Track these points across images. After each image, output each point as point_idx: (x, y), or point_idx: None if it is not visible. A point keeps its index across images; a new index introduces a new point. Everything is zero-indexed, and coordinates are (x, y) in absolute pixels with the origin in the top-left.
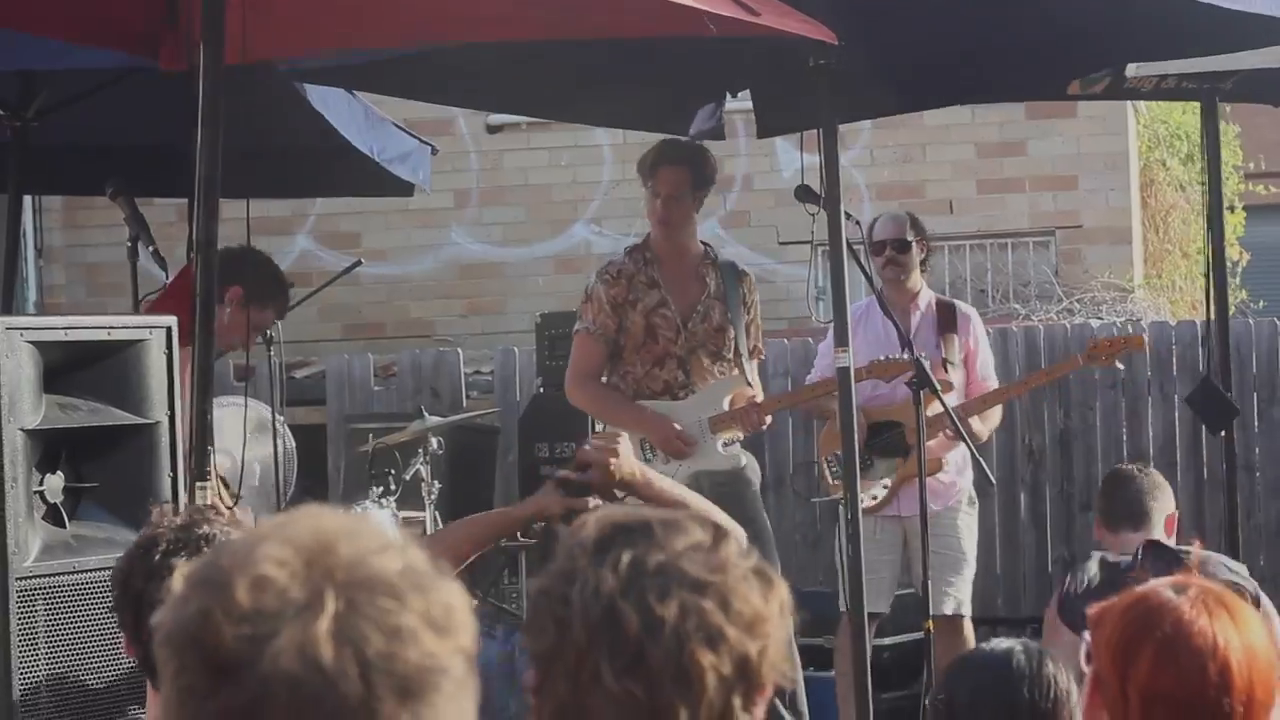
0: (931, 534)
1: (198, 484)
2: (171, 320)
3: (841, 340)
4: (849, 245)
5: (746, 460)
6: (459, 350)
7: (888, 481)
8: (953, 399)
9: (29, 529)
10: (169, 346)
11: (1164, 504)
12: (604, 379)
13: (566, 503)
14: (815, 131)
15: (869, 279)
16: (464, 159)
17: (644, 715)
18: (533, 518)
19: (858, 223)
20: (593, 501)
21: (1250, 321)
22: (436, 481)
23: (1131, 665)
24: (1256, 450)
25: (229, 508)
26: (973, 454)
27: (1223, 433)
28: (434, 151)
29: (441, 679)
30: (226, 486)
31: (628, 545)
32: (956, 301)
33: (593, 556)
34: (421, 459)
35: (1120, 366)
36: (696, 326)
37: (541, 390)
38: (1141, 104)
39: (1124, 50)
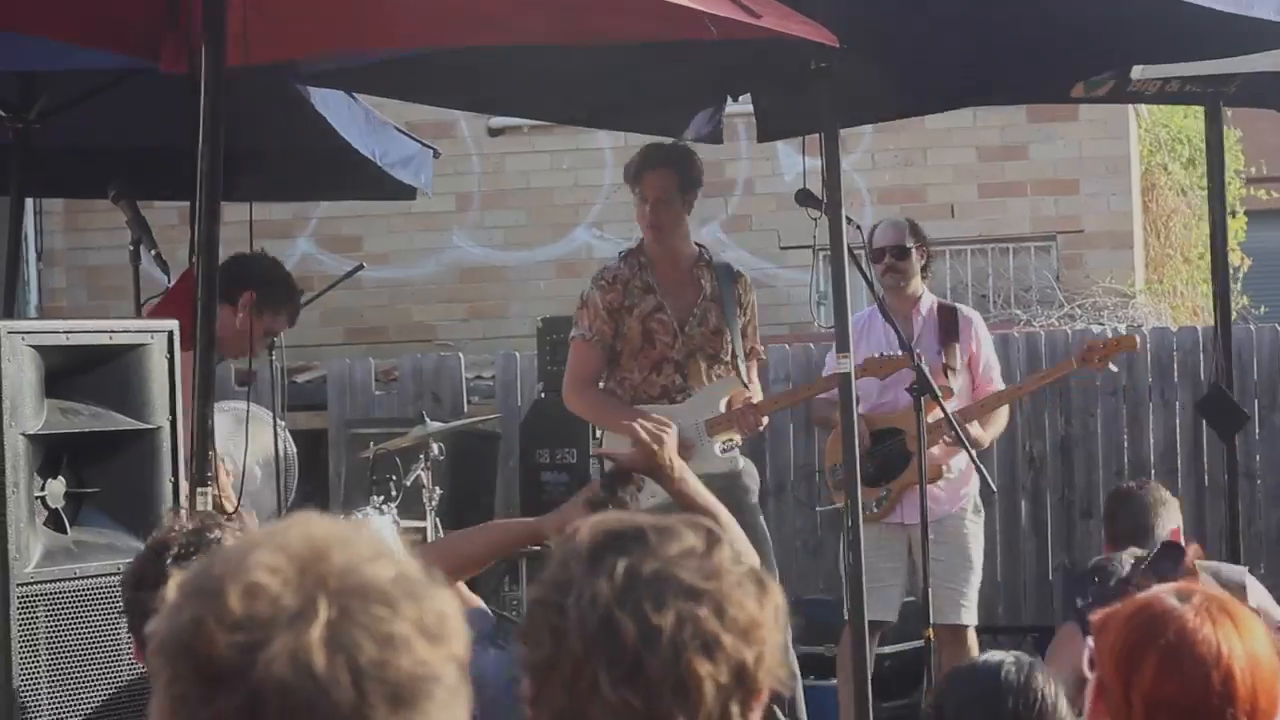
0: (937, 541)
1: (198, 489)
2: (173, 324)
3: (843, 346)
4: (850, 250)
5: (744, 464)
6: (460, 355)
7: (888, 489)
8: (956, 404)
9: (30, 534)
10: (170, 351)
11: (1167, 519)
12: (601, 385)
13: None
14: (816, 135)
15: (870, 284)
16: (465, 162)
17: None
18: (558, 532)
19: (859, 227)
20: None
21: (1251, 328)
22: (437, 487)
23: (1135, 672)
24: (1257, 457)
25: (235, 510)
26: (973, 460)
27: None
28: (436, 155)
29: (434, 687)
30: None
31: (622, 553)
32: (959, 305)
33: (587, 565)
34: (423, 464)
35: (1114, 368)
36: (694, 330)
37: (543, 395)
38: (1143, 108)
39: (1125, 52)
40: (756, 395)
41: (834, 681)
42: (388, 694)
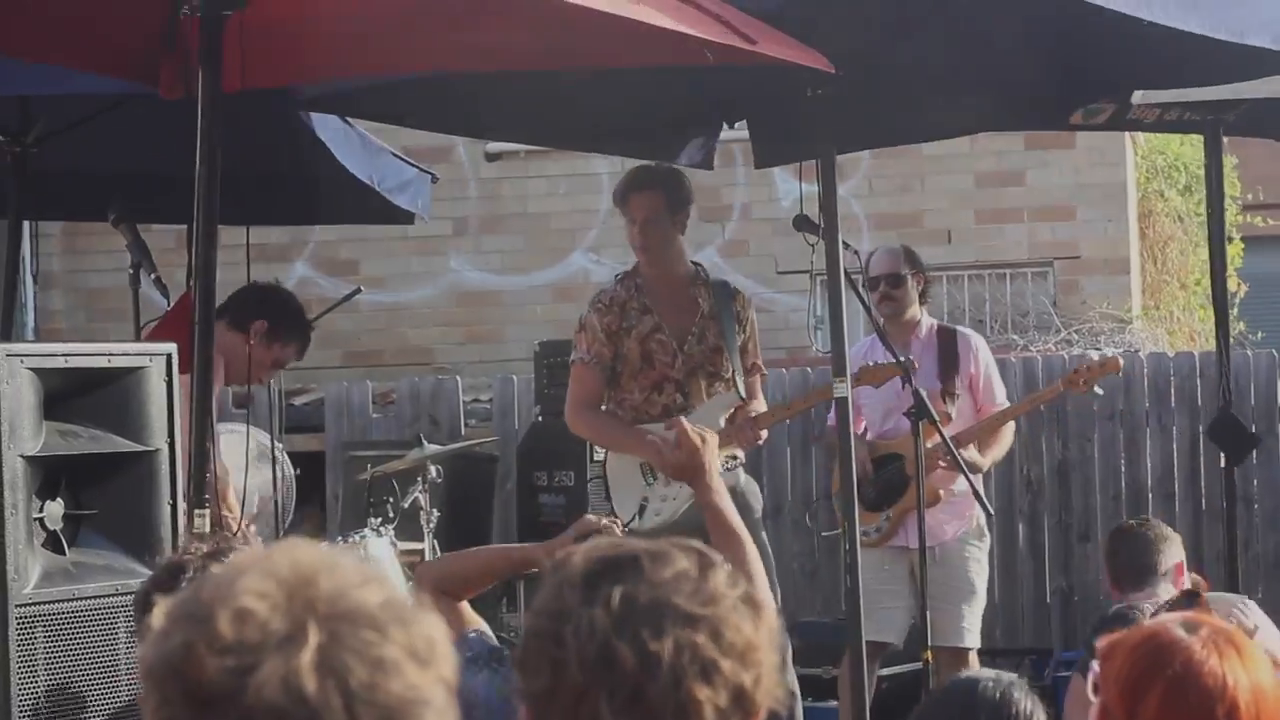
0: (941, 565)
1: (196, 511)
2: (171, 348)
3: (839, 370)
4: (847, 275)
5: (745, 480)
6: (458, 378)
7: (889, 514)
8: (957, 428)
9: (29, 556)
10: (169, 374)
11: (1170, 555)
12: (603, 407)
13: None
14: (813, 161)
15: (868, 309)
16: (463, 187)
17: None
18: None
19: (856, 252)
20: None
21: (1248, 353)
22: (435, 509)
23: (1140, 702)
24: (1255, 482)
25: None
26: (971, 484)
27: (1223, 465)
28: (434, 180)
29: (424, 710)
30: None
31: (617, 581)
32: (958, 327)
33: (583, 593)
34: (420, 487)
35: (1099, 391)
36: (693, 349)
37: (540, 418)
38: (1140, 135)
39: (1122, 80)
40: (761, 410)
41: (832, 703)
42: (378, 717)
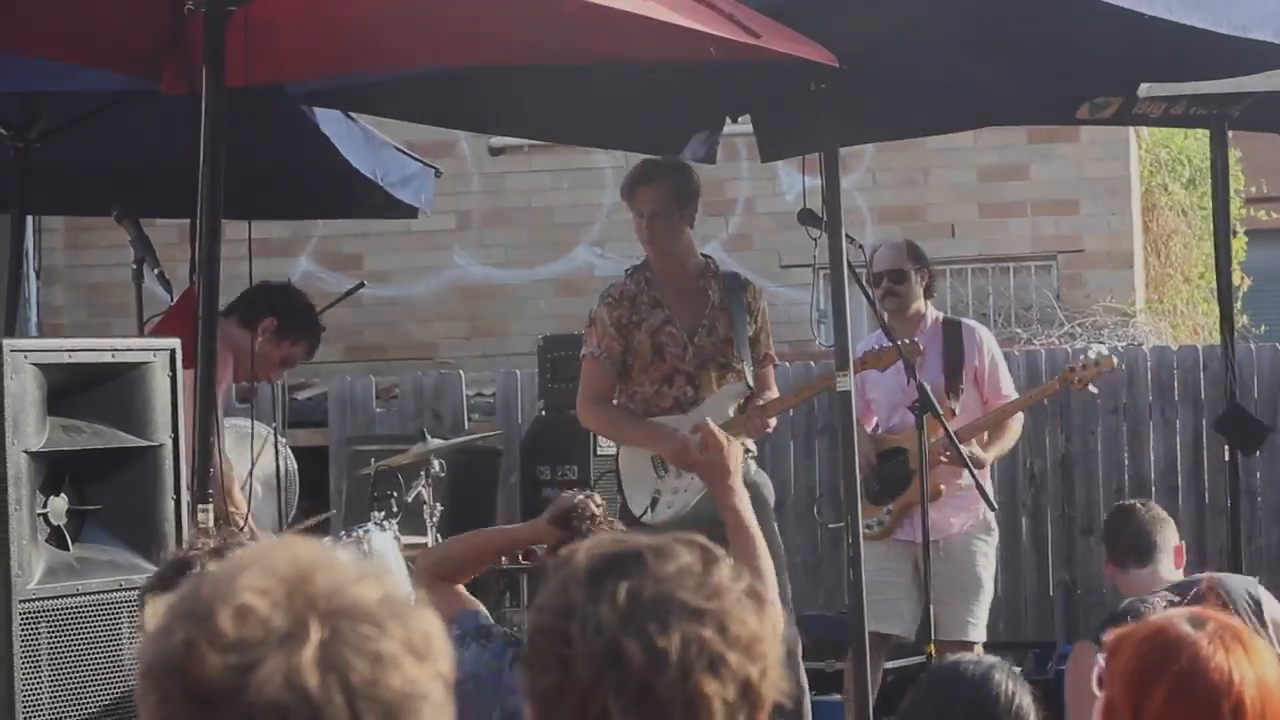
0: (947, 559)
1: (199, 506)
2: (175, 342)
3: (842, 364)
4: (851, 268)
5: (756, 473)
6: (461, 372)
7: (891, 508)
8: (963, 421)
9: (33, 551)
10: (172, 369)
11: (1169, 537)
12: (615, 401)
13: (560, 534)
14: (817, 155)
15: (871, 302)
16: (466, 181)
17: None
18: (534, 538)
19: (860, 246)
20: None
21: (1251, 347)
22: (438, 504)
23: (1146, 697)
24: (1258, 475)
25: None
26: (974, 478)
27: (1227, 458)
28: (437, 174)
29: (423, 705)
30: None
31: (622, 576)
32: (963, 320)
33: (588, 590)
34: (423, 481)
35: (1094, 390)
36: (703, 340)
37: (543, 413)
38: (1143, 128)
39: (1126, 74)
40: (773, 399)
41: (836, 697)
42: (380, 713)
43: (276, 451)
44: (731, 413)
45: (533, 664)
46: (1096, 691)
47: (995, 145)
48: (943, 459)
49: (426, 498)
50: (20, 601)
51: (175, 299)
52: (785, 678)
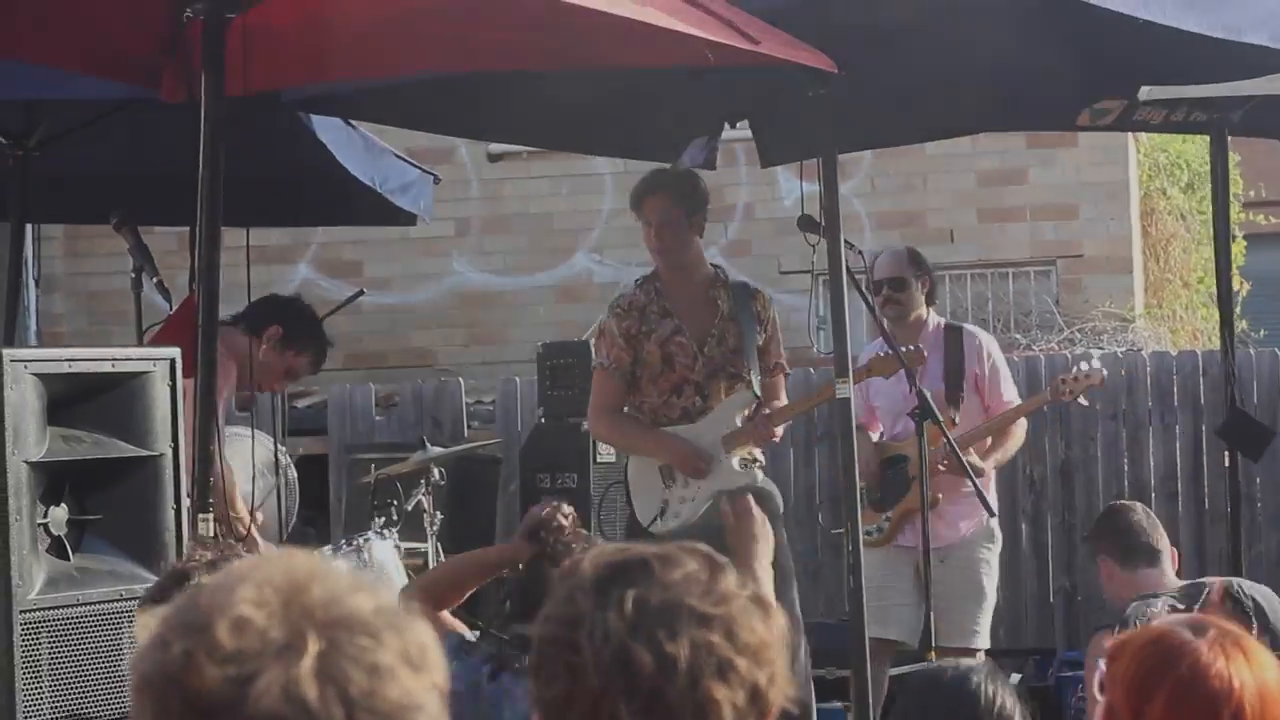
0: (951, 566)
1: (200, 515)
2: (175, 352)
3: (842, 371)
4: (850, 274)
5: (763, 479)
6: (460, 380)
7: (890, 514)
8: (964, 428)
9: (33, 561)
10: (172, 378)
11: (1166, 540)
12: (625, 410)
13: (534, 550)
14: (815, 161)
15: (871, 309)
16: (465, 188)
17: None
18: (514, 557)
19: (860, 252)
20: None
21: (1251, 352)
22: (438, 512)
23: (1146, 703)
24: (1257, 480)
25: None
26: (974, 485)
27: (1227, 464)
28: (436, 181)
29: (419, 715)
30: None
31: (628, 584)
32: (965, 325)
33: (595, 598)
34: (423, 490)
35: (1084, 402)
36: (713, 351)
37: (543, 420)
38: (1143, 133)
39: (1126, 80)
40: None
41: (837, 704)
42: None
43: (276, 460)
44: (739, 422)
45: (541, 673)
46: (1098, 696)
47: (994, 150)
48: (940, 467)
49: (426, 506)
50: (21, 612)
51: (175, 307)
52: (792, 684)
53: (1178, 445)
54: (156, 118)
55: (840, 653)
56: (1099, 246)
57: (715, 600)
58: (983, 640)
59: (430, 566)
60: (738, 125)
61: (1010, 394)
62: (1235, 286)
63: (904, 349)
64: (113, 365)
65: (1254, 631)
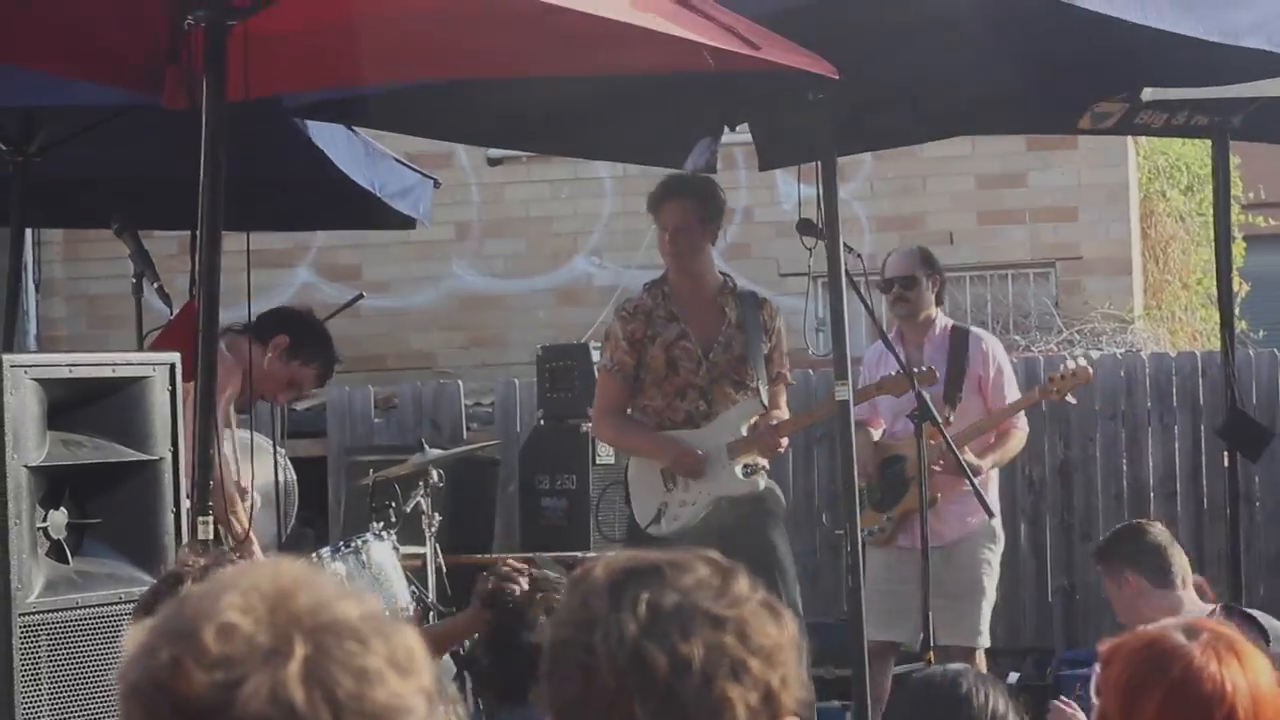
0: (952, 565)
1: (199, 518)
2: (174, 357)
3: (841, 373)
4: (849, 277)
5: (766, 485)
6: (459, 382)
7: (891, 515)
8: (955, 430)
9: (33, 565)
10: (172, 383)
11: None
12: (629, 412)
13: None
14: (814, 164)
15: (870, 312)
16: (464, 191)
17: None
18: (468, 632)
19: (859, 255)
20: None
21: (1250, 353)
22: (437, 514)
23: (1139, 708)
24: (1256, 480)
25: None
26: (972, 485)
27: (1226, 464)
28: (436, 185)
29: (407, 718)
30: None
31: (641, 587)
32: (972, 328)
33: (609, 601)
34: (422, 491)
35: (1072, 400)
36: (718, 357)
37: (542, 422)
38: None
39: (1123, 81)
40: (784, 418)
41: (835, 704)
42: None
43: (275, 462)
44: (744, 430)
45: (554, 676)
46: (1094, 699)
47: (993, 153)
48: (936, 467)
49: (425, 508)
50: (20, 615)
51: (175, 312)
52: (804, 688)
53: (1176, 445)
54: (157, 123)
55: (839, 652)
56: (1098, 248)
57: (728, 603)
58: (982, 639)
59: (429, 569)
60: (737, 129)
61: (1014, 398)
62: (1234, 288)
63: (916, 370)
64: (113, 370)
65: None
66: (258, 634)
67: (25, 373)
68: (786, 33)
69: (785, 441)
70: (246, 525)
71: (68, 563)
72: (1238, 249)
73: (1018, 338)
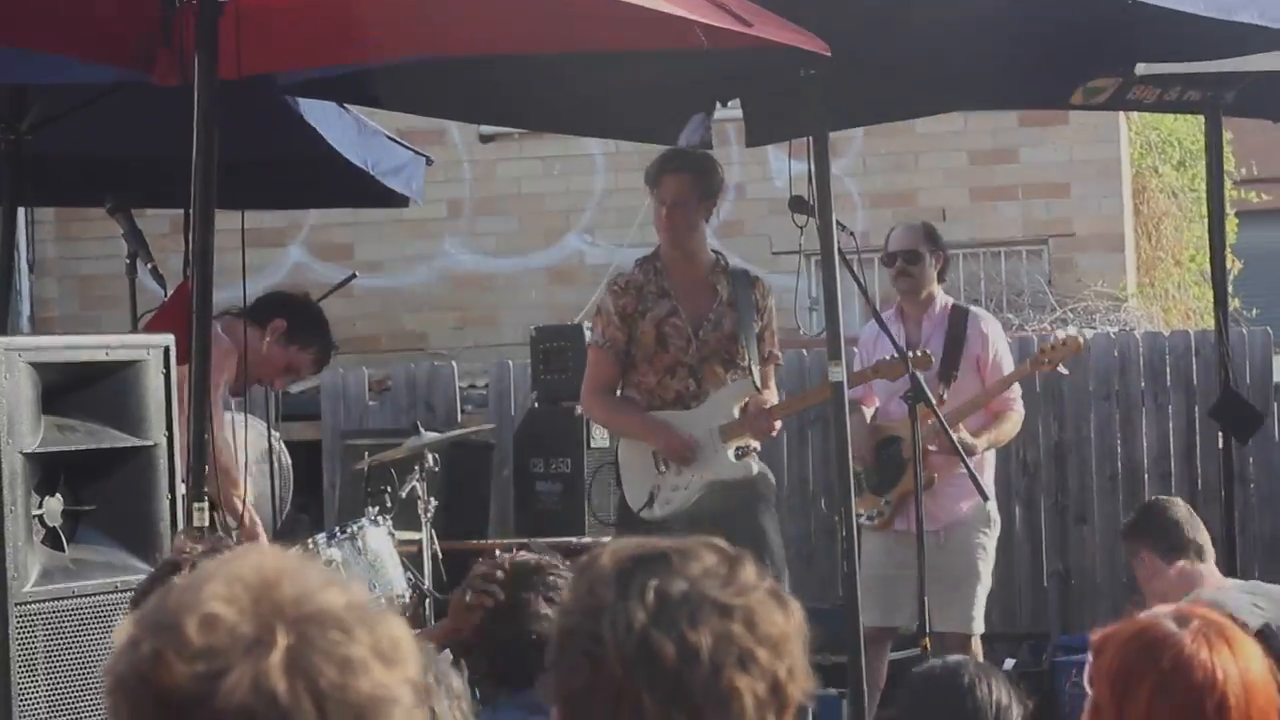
0: (948, 550)
1: (195, 504)
2: (169, 339)
3: (835, 354)
4: (842, 255)
5: (759, 470)
6: (453, 364)
7: (889, 498)
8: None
9: (28, 553)
10: (167, 366)
11: (1208, 536)
12: (620, 389)
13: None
14: (803, 140)
15: (863, 290)
16: (457, 169)
17: None
18: (453, 634)
19: (851, 233)
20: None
21: (1244, 331)
22: (432, 498)
23: (1130, 697)
24: (1250, 461)
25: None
26: (966, 467)
27: (1221, 445)
28: (429, 162)
29: (393, 708)
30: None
31: (649, 575)
32: (971, 307)
33: (616, 589)
34: (417, 475)
35: (1064, 371)
36: (708, 335)
37: (536, 404)
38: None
39: (1117, 56)
40: (773, 400)
41: (831, 691)
42: (349, 716)
43: (270, 445)
44: (736, 413)
45: (561, 665)
46: (1088, 689)
47: (986, 129)
48: (931, 447)
49: (420, 492)
50: (16, 604)
51: (169, 293)
52: (810, 678)
53: (1170, 426)
54: (149, 101)
55: (835, 638)
56: (1091, 225)
57: (735, 591)
58: (977, 625)
59: (425, 555)
60: (729, 104)
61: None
62: (1228, 265)
63: (912, 354)
64: (107, 354)
65: None
66: (241, 624)
67: (19, 356)
68: (778, 9)
69: (779, 425)
70: (244, 508)
71: (63, 550)
72: (1230, 225)
73: (1011, 316)
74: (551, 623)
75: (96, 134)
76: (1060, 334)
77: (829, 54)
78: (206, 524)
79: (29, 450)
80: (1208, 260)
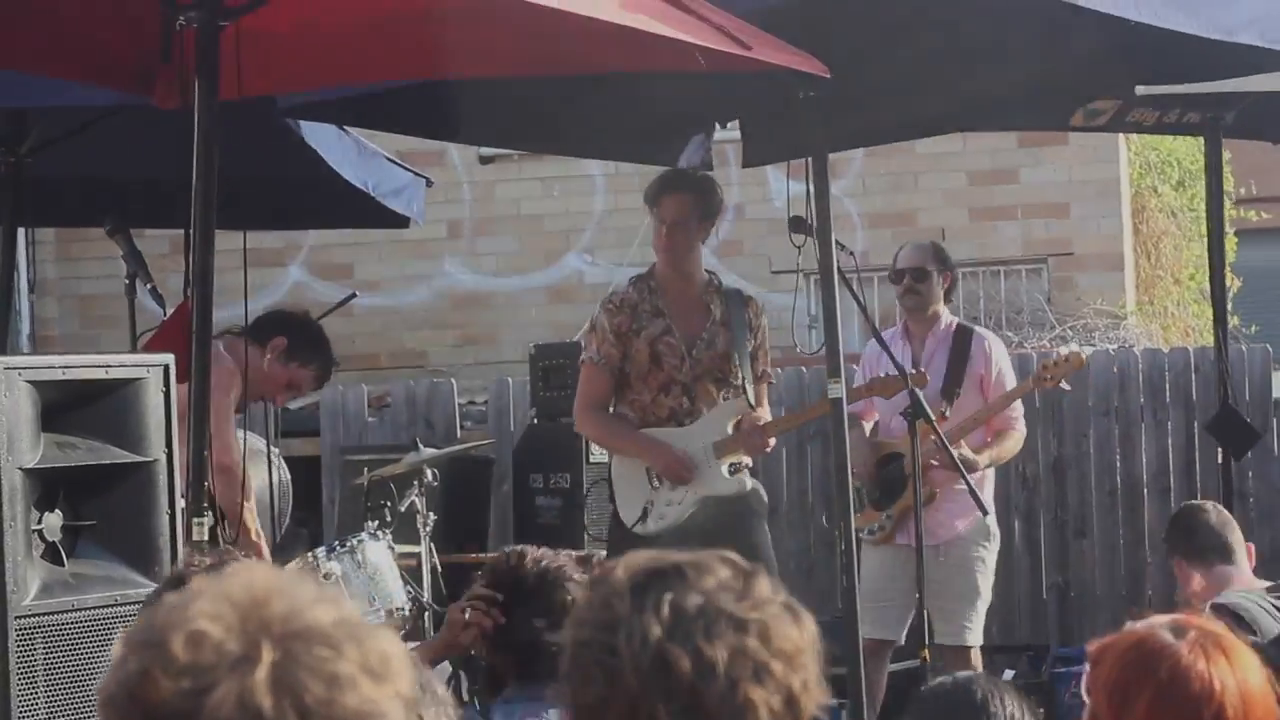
0: (948, 564)
1: (195, 520)
2: (168, 358)
3: (834, 371)
4: (842, 274)
5: (752, 486)
6: (453, 381)
7: (890, 513)
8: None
9: (28, 567)
10: (166, 384)
11: (1240, 535)
12: (613, 407)
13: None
14: (801, 160)
15: (863, 308)
16: (456, 189)
17: None
18: (449, 649)
19: (851, 252)
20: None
21: (1243, 348)
22: (431, 513)
23: (1128, 708)
24: (1250, 476)
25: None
26: (967, 484)
27: (1220, 460)
28: (429, 184)
29: None
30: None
31: (665, 588)
32: (976, 327)
33: (632, 602)
34: (416, 491)
35: (1066, 387)
36: (701, 353)
37: (535, 421)
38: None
39: (1117, 78)
40: (766, 418)
41: (833, 702)
42: None
43: (269, 462)
44: (730, 430)
45: (575, 677)
46: (1085, 698)
47: (985, 149)
48: (933, 462)
49: (420, 507)
50: (16, 618)
51: (169, 313)
52: (823, 692)
53: (1170, 442)
54: (149, 123)
55: (834, 650)
56: (1090, 244)
57: (750, 605)
58: (975, 638)
59: (424, 568)
60: (728, 126)
61: (1014, 404)
62: (1227, 283)
63: (910, 372)
64: (106, 372)
65: None
66: (227, 641)
67: (19, 374)
68: (777, 31)
69: (773, 441)
70: (253, 522)
71: (63, 565)
72: (1229, 244)
73: (1011, 334)
74: (561, 634)
75: (97, 156)
76: (1062, 350)
77: (828, 75)
78: (206, 539)
79: (28, 466)
80: (1207, 278)
